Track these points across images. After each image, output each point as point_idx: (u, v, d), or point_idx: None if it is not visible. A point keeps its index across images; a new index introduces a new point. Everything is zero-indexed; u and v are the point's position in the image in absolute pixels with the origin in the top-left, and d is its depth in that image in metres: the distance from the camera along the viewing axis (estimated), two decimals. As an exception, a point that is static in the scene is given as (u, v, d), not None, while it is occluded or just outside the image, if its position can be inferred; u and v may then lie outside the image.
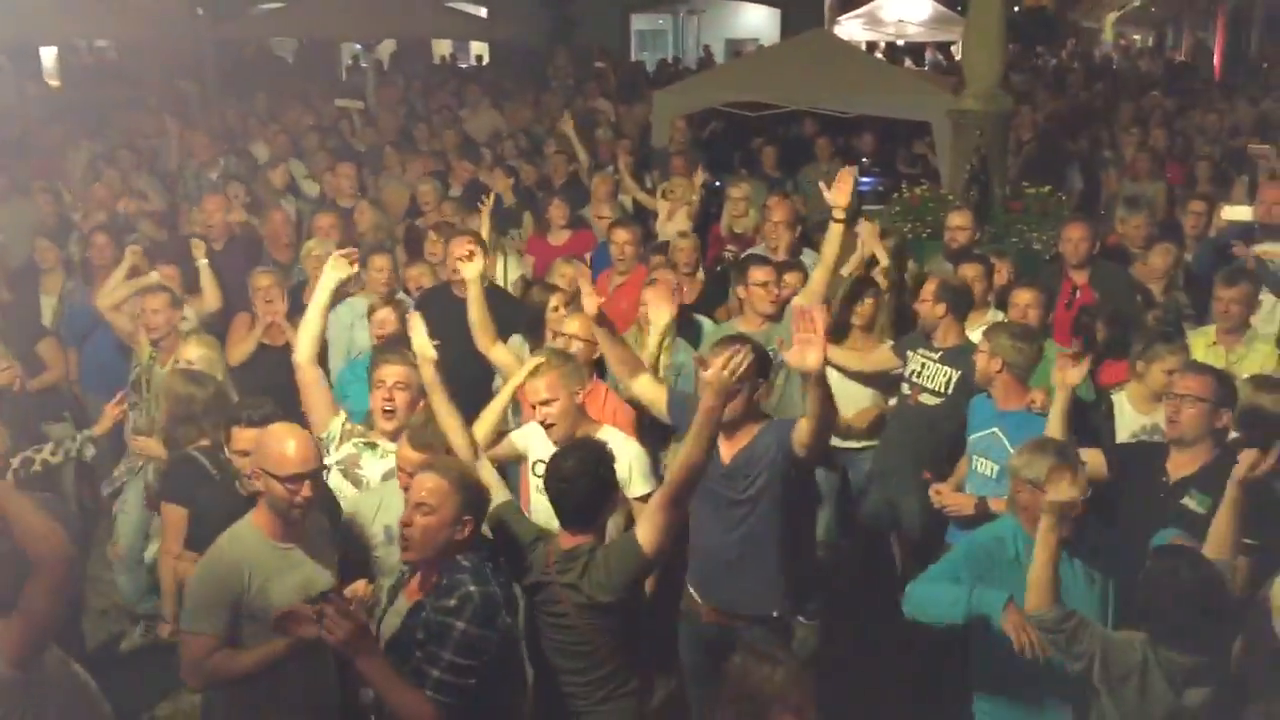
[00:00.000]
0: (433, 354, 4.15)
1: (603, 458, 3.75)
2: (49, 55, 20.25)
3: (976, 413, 5.07)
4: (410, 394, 4.56)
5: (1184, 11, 30.22)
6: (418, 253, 7.77)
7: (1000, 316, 5.91)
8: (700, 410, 3.65)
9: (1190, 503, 4.13)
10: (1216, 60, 26.60)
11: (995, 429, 4.90)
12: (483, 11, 23.67)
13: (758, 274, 5.93)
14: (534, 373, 4.51)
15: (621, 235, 7.12)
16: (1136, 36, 34.11)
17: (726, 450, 4.22)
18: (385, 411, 4.58)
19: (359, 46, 18.07)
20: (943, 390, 5.55)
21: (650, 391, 4.65)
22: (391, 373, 4.59)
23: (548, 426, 4.51)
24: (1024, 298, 5.70)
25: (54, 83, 19.13)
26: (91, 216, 8.28)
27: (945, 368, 5.55)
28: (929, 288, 5.83)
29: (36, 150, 11.11)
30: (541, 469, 4.39)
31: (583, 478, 3.67)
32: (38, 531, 3.14)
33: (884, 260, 6.61)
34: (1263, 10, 25.65)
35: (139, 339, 6.11)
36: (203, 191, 9.62)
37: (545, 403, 4.50)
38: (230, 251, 7.44)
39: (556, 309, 5.95)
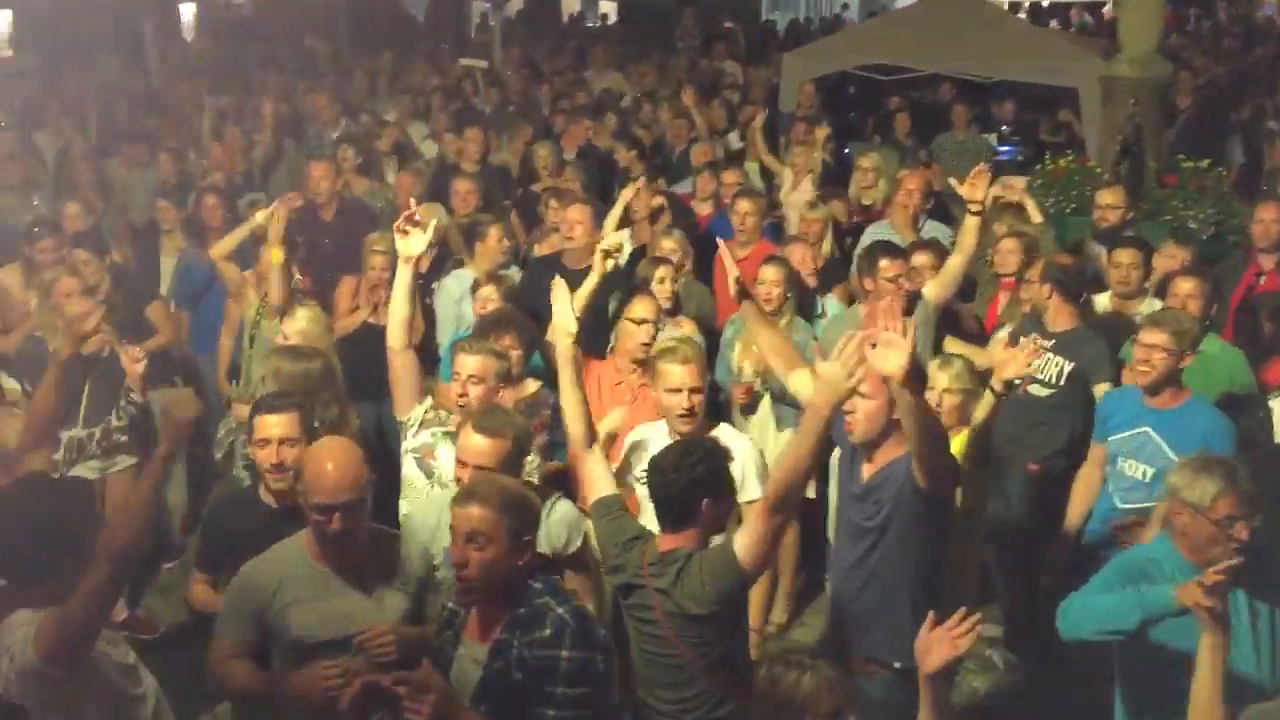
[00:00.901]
0: (573, 327, 3.80)
1: (709, 454, 3.44)
2: (188, 11, 20.64)
3: (1119, 408, 4.62)
4: (486, 387, 4.24)
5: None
6: (534, 219, 7.59)
7: (1157, 305, 5.41)
8: (808, 408, 3.29)
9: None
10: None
11: (1146, 427, 4.48)
12: (613, -31, 23.41)
13: (888, 267, 5.41)
14: (673, 357, 4.22)
15: (744, 205, 6.77)
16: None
17: (867, 469, 3.83)
18: (460, 405, 4.27)
19: (488, 4, 17.95)
20: (1054, 381, 5.12)
21: (810, 389, 4.33)
22: (466, 364, 4.26)
23: (685, 415, 4.19)
24: (1184, 287, 5.17)
25: (192, 39, 19.49)
26: (209, 177, 8.26)
27: (1057, 357, 5.11)
28: (1037, 268, 5.42)
29: (167, 108, 11.23)
30: None
31: (683, 473, 3.36)
32: (135, 525, 3.00)
33: (1035, 215, 6.21)
34: None
35: (246, 293, 6.01)
36: (324, 152, 9.57)
37: (694, 390, 4.19)
38: (340, 219, 7.30)
39: (663, 281, 5.67)
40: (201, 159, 9.17)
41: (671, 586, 3.33)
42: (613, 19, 23.47)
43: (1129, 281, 5.59)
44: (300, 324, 5.13)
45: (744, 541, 3.31)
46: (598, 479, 3.67)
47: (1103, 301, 6.04)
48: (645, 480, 3.97)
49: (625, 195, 6.90)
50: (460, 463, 3.76)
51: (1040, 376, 5.16)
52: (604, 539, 3.59)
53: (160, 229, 7.44)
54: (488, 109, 11.88)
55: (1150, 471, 4.43)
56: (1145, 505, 4.44)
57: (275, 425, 3.85)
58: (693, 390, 4.17)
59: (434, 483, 4.31)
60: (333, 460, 3.31)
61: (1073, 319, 5.20)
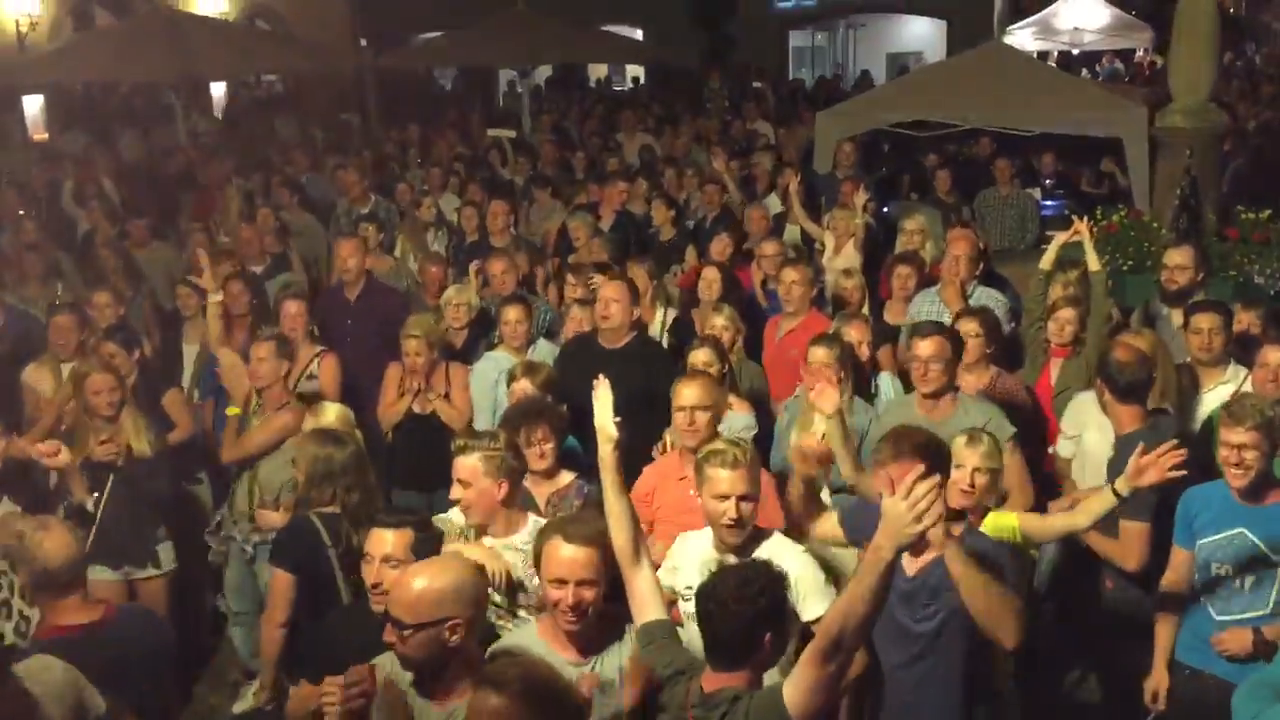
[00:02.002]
0: (614, 432, 3.43)
1: (770, 583, 3.04)
2: (219, 89, 20.82)
3: (1205, 507, 4.13)
4: (476, 491, 3.99)
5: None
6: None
7: (1242, 376, 5.03)
8: (869, 551, 2.83)
9: None
10: None
11: (1241, 529, 4.01)
12: (638, 33, 23.42)
13: (917, 347, 4.99)
14: (719, 461, 3.82)
15: (791, 275, 6.43)
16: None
17: (910, 563, 3.50)
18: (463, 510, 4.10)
19: (515, 73, 17.96)
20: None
21: (822, 529, 4.09)
22: (459, 467, 4.03)
23: (732, 525, 3.81)
24: (1275, 358, 4.75)
25: (222, 117, 19.61)
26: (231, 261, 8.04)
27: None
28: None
29: (197, 188, 11.13)
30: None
31: (746, 604, 2.97)
32: None
33: (1094, 263, 5.86)
34: None
35: (238, 390, 5.87)
36: (354, 229, 9.40)
37: (743, 498, 3.82)
38: (364, 300, 7.10)
39: (711, 366, 5.33)
40: (227, 238, 9.01)
41: None
42: (642, 81, 23.47)
43: (1212, 349, 5.18)
44: (328, 420, 4.92)
45: (794, 691, 2.89)
46: (645, 600, 3.30)
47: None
48: (691, 599, 3.62)
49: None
50: (559, 581, 3.27)
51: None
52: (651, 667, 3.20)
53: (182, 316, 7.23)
54: (517, 179, 11.73)
55: (1250, 579, 4.00)
56: (1247, 616, 4.01)
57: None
58: (741, 498, 3.79)
59: None
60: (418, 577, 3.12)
61: (1135, 419, 4.61)
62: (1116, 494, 3.82)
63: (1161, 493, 4.09)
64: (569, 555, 3.26)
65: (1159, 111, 8.90)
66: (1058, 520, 4.25)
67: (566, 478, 4.72)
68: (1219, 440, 4.08)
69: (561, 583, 3.25)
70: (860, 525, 3.73)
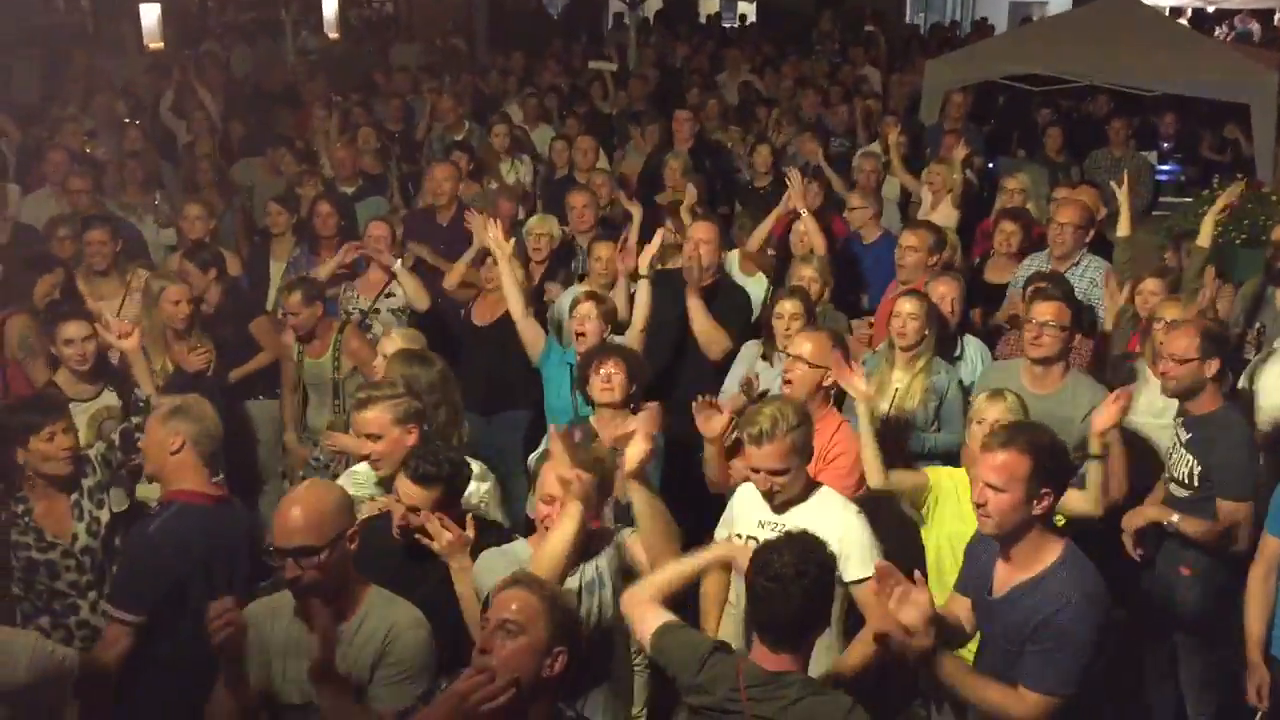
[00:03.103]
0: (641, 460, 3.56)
1: (827, 559, 3.03)
2: (330, 7, 20.92)
3: None
4: (386, 442, 4.04)
5: None
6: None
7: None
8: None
9: None
10: None
11: None
12: (752, -31, 22.94)
13: (1041, 310, 4.77)
14: (752, 435, 3.76)
15: (909, 239, 6.11)
16: None
17: (1004, 574, 3.32)
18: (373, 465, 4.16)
19: (625, 3, 17.73)
20: (1188, 481, 4.40)
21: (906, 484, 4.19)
22: (364, 421, 4.09)
23: (772, 494, 3.79)
24: None
25: (333, 35, 19.73)
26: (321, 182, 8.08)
27: (1187, 455, 4.39)
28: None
29: (299, 105, 11.21)
30: (755, 541, 3.73)
31: (801, 581, 2.92)
32: None
33: (1205, 239, 5.59)
34: None
35: (286, 341, 5.97)
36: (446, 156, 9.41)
37: (775, 472, 3.76)
38: (455, 225, 7.08)
39: (786, 320, 5.22)
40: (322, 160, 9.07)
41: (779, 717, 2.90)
42: (751, 19, 22.99)
43: None
44: (396, 346, 4.94)
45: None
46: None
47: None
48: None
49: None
50: (549, 498, 3.59)
51: (1175, 474, 4.47)
52: (679, 656, 3.14)
53: (271, 233, 7.31)
54: (614, 111, 11.60)
55: (1338, 575, 3.81)
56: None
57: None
58: (772, 472, 3.73)
59: None
60: (295, 504, 3.09)
61: (1214, 399, 4.43)
62: (1093, 455, 3.92)
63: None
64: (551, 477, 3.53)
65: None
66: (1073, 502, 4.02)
67: (634, 422, 4.66)
68: None
69: (550, 499, 3.53)
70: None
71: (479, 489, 4.10)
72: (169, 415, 3.90)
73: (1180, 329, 4.46)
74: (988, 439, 3.35)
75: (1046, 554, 3.22)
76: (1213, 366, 4.36)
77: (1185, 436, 4.44)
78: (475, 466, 3.98)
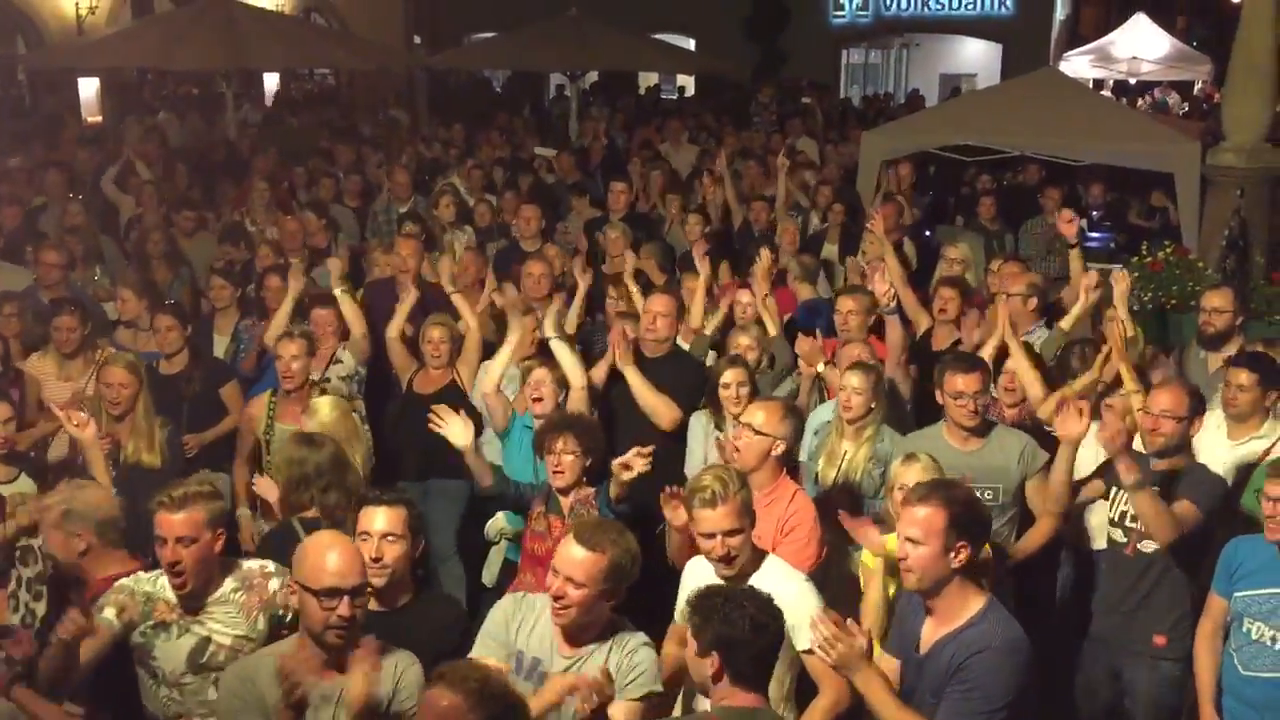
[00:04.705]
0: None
1: (777, 615, 3.15)
2: (271, 80, 21.01)
3: (1250, 558, 4.05)
4: (197, 549, 3.64)
5: None
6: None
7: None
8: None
9: None
10: None
11: None
12: (690, 43, 23.38)
13: (955, 382, 4.87)
14: (702, 499, 3.77)
15: (847, 304, 6.28)
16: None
17: (929, 630, 3.41)
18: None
19: (565, 76, 18.00)
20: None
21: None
22: (173, 524, 3.63)
23: (722, 560, 3.78)
24: None
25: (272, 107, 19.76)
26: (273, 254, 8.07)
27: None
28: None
29: (238, 178, 11.19)
30: None
31: (758, 635, 3.05)
32: None
33: (1129, 327, 5.66)
34: None
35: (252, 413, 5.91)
36: (392, 228, 9.44)
37: (729, 533, 3.76)
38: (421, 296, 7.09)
39: (734, 389, 5.29)
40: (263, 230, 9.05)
41: None
42: (690, 91, 23.43)
43: (1238, 404, 4.99)
44: (323, 415, 5.00)
45: None
46: None
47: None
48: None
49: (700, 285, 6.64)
50: (554, 571, 3.44)
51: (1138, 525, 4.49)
52: None
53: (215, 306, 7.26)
54: (555, 181, 11.72)
55: (1283, 639, 3.91)
56: (1273, 675, 3.93)
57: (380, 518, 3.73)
58: (728, 534, 3.74)
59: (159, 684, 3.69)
60: (335, 546, 3.26)
61: (1188, 454, 4.57)
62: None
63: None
64: (568, 551, 3.40)
65: (1211, 149, 8.73)
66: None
67: (587, 491, 4.68)
68: (1262, 492, 3.98)
69: (555, 573, 3.41)
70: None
71: (272, 585, 3.81)
72: (61, 520, 3.87)
73: (1167, 388, 4.57)
74: (907, 495, 3.48)
75: (969, 607, 3.32)
76: (1198, 424, 4.57)
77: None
78: (271, 566, 3.80)
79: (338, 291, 6.49)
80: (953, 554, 3.27)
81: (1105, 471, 4.61)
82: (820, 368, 5.69)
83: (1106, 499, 4.60)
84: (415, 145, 13.94)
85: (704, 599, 3.17)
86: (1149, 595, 4.43)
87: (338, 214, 9.65)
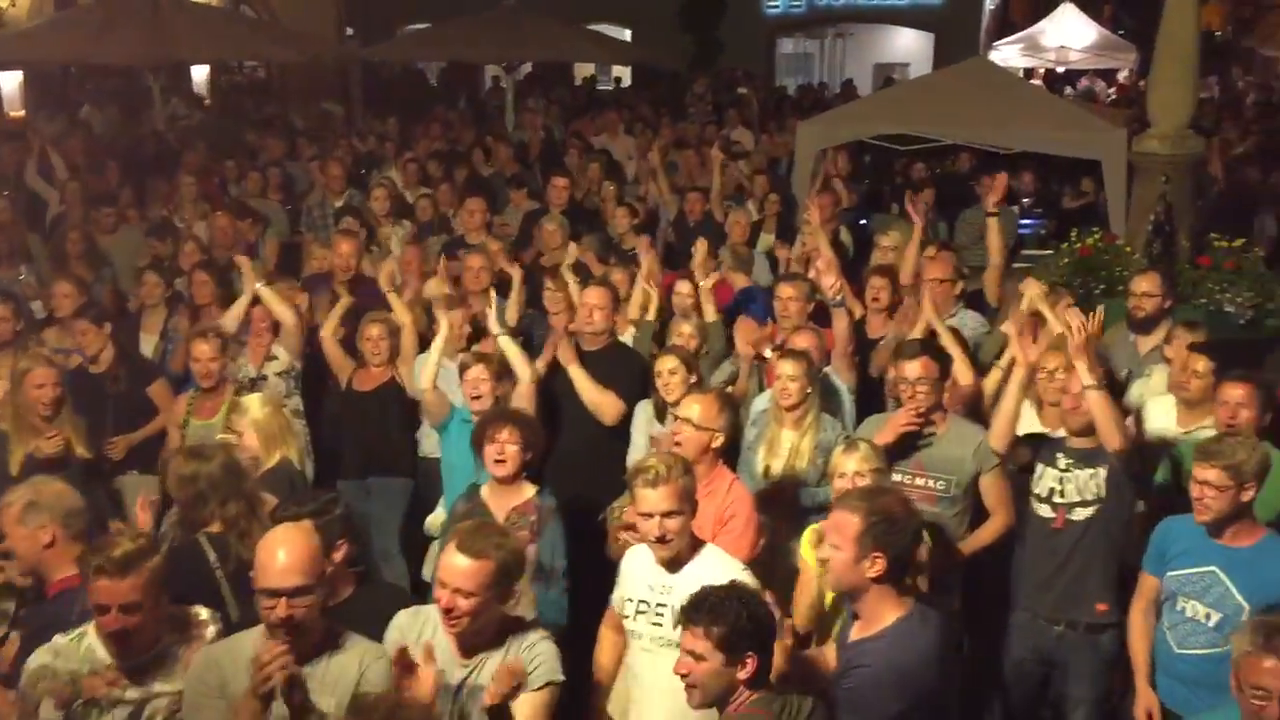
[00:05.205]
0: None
1: (744, 603, 3.19)
2: (200, 72, 20.64)
3: (1180, 538, 4.14)
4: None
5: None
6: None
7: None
8: None
9: None
10: None
11: (1213, 567, 4.02)
12: (626, 34, 23.35)
13: (909, 369, 4.85)
14: (643, 479, 3.80)
15: (787, 290, 6.31)
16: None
17: (856, 629, 3.48)
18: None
19: (501, 67, 17.88)
20: (1100, 494, 4.54)
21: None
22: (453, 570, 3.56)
23: (658, 541, 3.79)
24: (1234, 394, 4.70)
25: (204, 100, 19.43)
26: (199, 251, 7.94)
27: (1089, 469, 4.55)
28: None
29: (167, 174, 10.98)
30: (651, 610, 3.83)
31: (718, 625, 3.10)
32: None
33: (1055, 324, 5.72)
34: None
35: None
36: (328, 223, 9.34)
37: (668, 514, 3.76)
38: (358, 291, 7.04)
39: (665, 376, 5.31)
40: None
41: None
42: (626, 83, 23.40)
43: (1190, 389, 5.10)
44: (254, 412, 4.94)
45: None
46: None
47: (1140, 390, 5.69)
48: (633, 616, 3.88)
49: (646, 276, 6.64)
50: (441, 583, 3.40)
51: (1082, 497, 4.56)
52: None
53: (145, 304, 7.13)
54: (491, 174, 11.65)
55: (1216, 616, 4.00)
56: (1207, 652, 4.02)
57: None
58: (666, 515, 3.75)
59: None
60: (284, 544, 3.24)
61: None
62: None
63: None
64: (451, 562, 3.37)
65: (1137, 136, 8.90)
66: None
67: (529, 491, 4.64)
68: (1192, 476, 4.08)
69: (442, 585, 3.38)
70: None
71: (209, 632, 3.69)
72: (25, 511, 3.78)
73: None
74: (836, 499, 3.51)
75: (884, 617, 3.36)
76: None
77: (1066, 461, 4.60)
78: (204, 613, 3.67)
79: (260, 286, 6.42)
80: (867, 563, 3.30)
81: (1034, 449, 4.70)
82: (767, 353, 5.71)
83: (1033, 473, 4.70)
84: (350, 138, 13.80)
85: (706, 601, 3.16)
86: (1085, 566, 4.52)
87: (266, 209, 9.53)
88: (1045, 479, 4.62)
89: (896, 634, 3.32)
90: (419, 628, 3.53)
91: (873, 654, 3.30)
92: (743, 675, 3.12)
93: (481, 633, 3.42)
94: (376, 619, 3.61)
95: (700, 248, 6.91)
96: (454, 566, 3.35)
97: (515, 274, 6.85)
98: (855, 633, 3.44)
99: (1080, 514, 4.51)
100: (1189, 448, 4.85)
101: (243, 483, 4.30)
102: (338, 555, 3.76)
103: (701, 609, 3.13)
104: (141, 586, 3.31)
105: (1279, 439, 4.69)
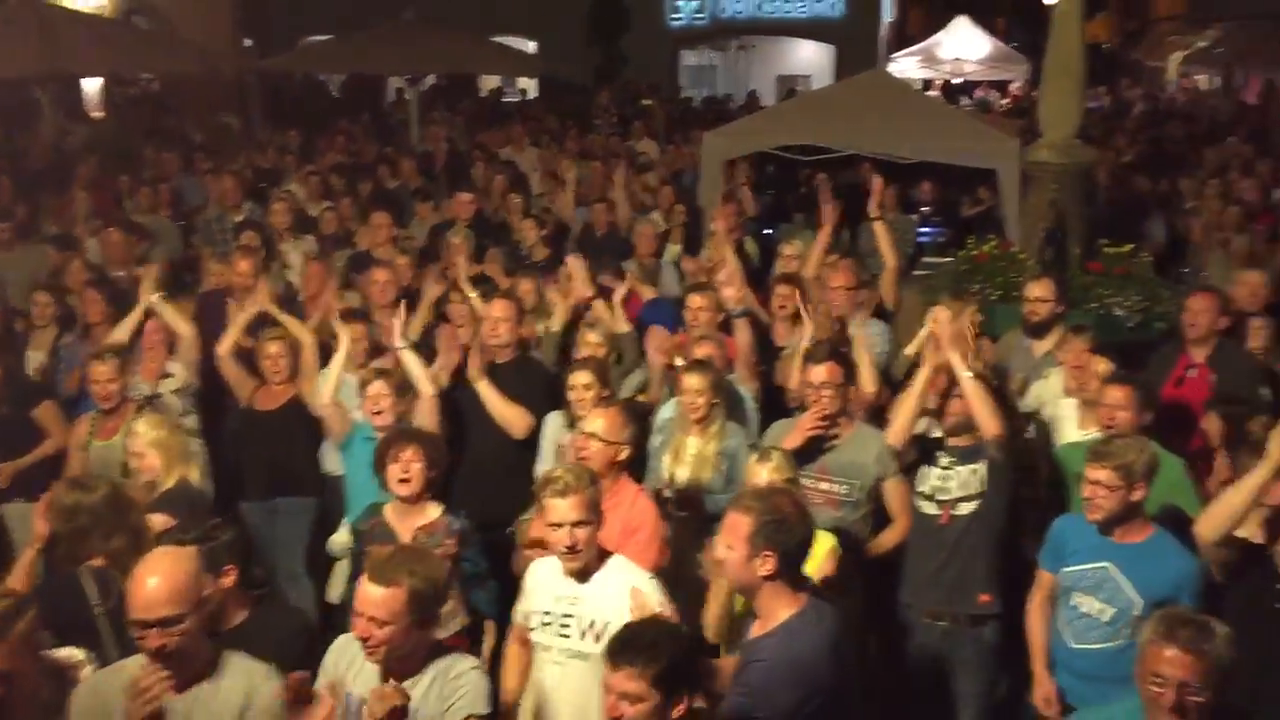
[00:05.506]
0: None
1: (669, 643, 3.12)
2: (93, 85, 20.07)
3: (1075, 535, 4.26)
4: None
5: (1254, 52, 29.21)
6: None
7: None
8: None
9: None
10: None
11: (1106, 563, 4.14)
12: (531, 46, 23.32)
13: (816, 374, 4.94)
14: (552, 489, 3.79)
15: (697, 300, 6.35)
16: (1200, 78, 33.03)
17: (754, 629, 3.52)
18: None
19: (405, 79, 17.73)
20: (982, 489, 4.68)
21: None
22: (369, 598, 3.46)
23: (568, 553, 3.79)
24: (1113, 396, 4.86)
25: (97, 114, 18.89)
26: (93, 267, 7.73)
27: (970, 464, 4.69)
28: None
29: (60, 189, 10.67)
30: (557, 621, 3.81)
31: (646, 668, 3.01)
32: None
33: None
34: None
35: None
36: (226, 237, 9.15)
37: (578, 524, 3.76)
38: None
39: (579, 391, 5.30)
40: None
41: None
42: (532, 94, 23.37)
43: (1090, 390, 5.24)
44: (144, 435, 4.84)
45: None
46: None
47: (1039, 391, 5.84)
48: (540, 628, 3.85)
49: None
50: (357, 613, 3.34)
51: (965, 492, 4.69)
52: None
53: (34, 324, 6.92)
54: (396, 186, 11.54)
55: (1110, 611, 4.11)
56: (1102, 646, 4.14)
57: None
58: (576, 524, 3.75)
59: None
60: (153, 573, 3.13)
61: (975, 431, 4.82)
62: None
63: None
64: (364, 591, 3.32)
65: (1029, 146, 9.15)
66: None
67: (434, 511, 4.60)
68: (1084, 476, 4.19)
69: (358, 614, 3.33)
70: None
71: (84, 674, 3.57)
72: None
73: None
74: (730, 501, 3.57)
75: (778, 614, 3.41)
76: None
77: (948, 459, 4.75)
78: (79, 654, 3.56)
79: (156, 299, 6.25)
80: (759, 561, 3.34)
81: (918, 450, 4.80)
82: (678, 362, 5.74)
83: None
84: (248, 151, 13.55)
85: (638, 639, 3.09)
86: (970, 559, 4.65)
87: (157, 225, 9.33)
88: (929, 478, 4.76)
89: (789, 629, 3.37)
90: (352, 653, 3.48)
91: (767, 649, 3.35)
92: (677, 715, 3.06)
93: (407, 659, 3.36)
94: (272, 643, 3.54)
95: (575, 263, 6.86)
96: (366, 595, 3.30)
97: (435, 290, 6.77)
98: (753, 631, 3.49)
99: (964, 509, 4.66)
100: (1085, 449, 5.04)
101: (128, 515, 4.14)
102: (226, 580, 3.67)
103: (634, 647, 3.04)
104: (10, 655, 3.09)
105: (1165, 438, 4.87)
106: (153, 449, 4.87)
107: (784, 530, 3.39)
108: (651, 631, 3.13)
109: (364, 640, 3.31)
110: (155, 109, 19.57)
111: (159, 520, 4.25)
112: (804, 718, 3.29)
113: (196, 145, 13.67)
